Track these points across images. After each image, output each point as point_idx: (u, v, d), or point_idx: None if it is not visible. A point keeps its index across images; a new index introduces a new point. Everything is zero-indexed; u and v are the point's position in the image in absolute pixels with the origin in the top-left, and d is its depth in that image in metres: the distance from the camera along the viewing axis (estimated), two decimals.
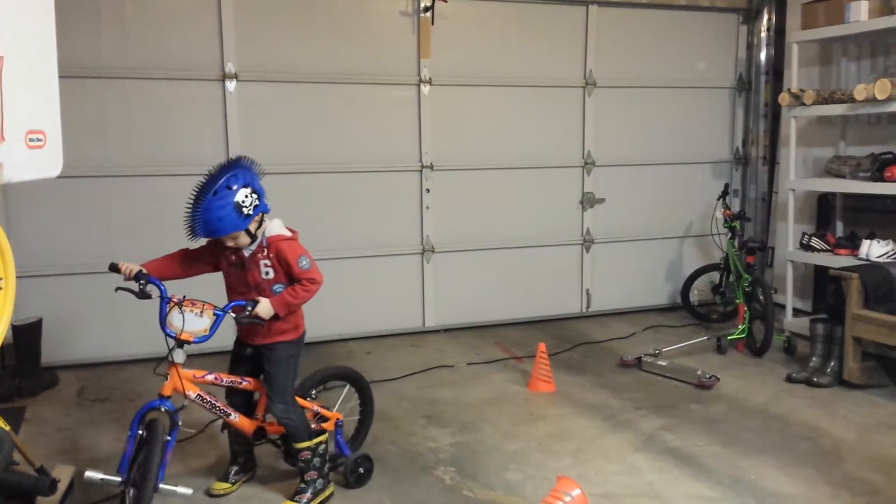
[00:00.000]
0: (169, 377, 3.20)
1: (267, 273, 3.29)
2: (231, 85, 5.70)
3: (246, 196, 3.09)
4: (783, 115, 6.43)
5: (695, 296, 6.70)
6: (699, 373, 5.03)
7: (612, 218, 6.92)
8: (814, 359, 5.07)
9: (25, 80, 2.24)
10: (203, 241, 3.27)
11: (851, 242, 5.78)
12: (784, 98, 6.09)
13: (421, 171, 6.27)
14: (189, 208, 3.04)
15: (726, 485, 3.60)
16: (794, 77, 6.25)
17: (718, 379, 5.01)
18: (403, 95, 6.21)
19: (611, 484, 3.62)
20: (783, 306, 6.20)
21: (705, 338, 5.85)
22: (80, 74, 5.28)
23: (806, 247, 6.07)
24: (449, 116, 6.32)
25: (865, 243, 5.55)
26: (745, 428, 4.29)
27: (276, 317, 3.28)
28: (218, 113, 5.71)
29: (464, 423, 4.41)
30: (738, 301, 5.85)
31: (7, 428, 3.35)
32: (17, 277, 2.42)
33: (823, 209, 6.50)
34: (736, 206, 7.10)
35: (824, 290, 6.20)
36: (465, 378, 5.26)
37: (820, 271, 6.27)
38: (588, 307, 6.94)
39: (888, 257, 5.37)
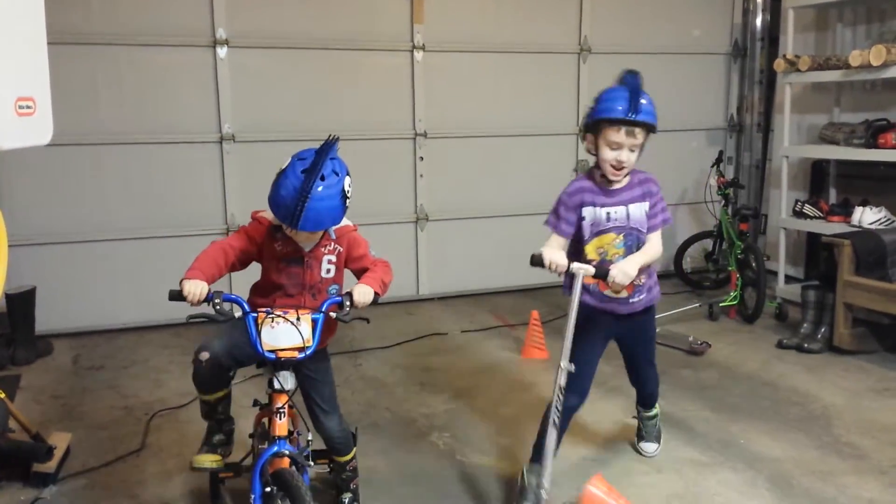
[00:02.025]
0: (280, 412, 2.57)
1: (328, 271, 2.75)
2: (222, 51, 5.64)
3: (349, 184, 2.61)
4: (778, 82, 6.41)
5: (688, 263, 6.73)
6: (691, 339, 5.07)
7: None
8: (805, 325, 5.11)
9: (14, 47, 2.22)
10: (238, 230, 2.75)
11: (844, 209, 5.79)
12: (779, 64, 6.06)
13: (414, 138, 6.24)
14: (295, 195, 2.46)
15: (716, 449, 3.65)
16: (790, 43, 6.22)
17: (710, 345, 5.05)
18: (397, 62, 6.16)
19: (602, 448, 3.67)
20: (775, 273, 6.24)
21: (697, 305, 5.88)
22: (69, 41, 5.21)
23: (799, 214, 6.08)
24: (443, 83, 6.28)
25: (858, 210, 5.57)
26: (736, 393, 4.34)
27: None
28: (209, 80, 5.66)
29: (457, 389, 4.45)
30: (730, 268, 5.87)
31: (2, 395, 3.38)
32: (10, 246, 2.42)
33: (817, 176, 6.51)
34: (730, 174, 7.10)
35: (817, 257, 6.22)
36: (459, 345, 5.30)
37: (812, 238, 6.30)
38: None
39: (881, 224, 5.39)
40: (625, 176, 3.08)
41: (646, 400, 3.55)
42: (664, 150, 7.04)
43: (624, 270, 2.89)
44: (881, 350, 4.95)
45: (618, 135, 3.00)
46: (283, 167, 2.55)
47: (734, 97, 7.31)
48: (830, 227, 5.62)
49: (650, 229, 3.08)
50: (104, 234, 5.55)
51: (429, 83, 6.22)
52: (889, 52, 5.11)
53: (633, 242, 3.04)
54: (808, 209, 6.01)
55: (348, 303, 2.57)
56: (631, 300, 3.12)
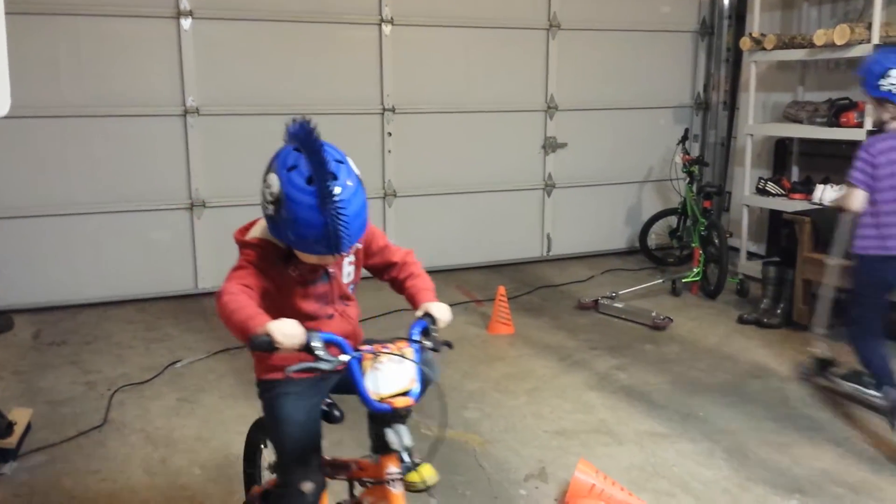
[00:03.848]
0: (395, 481, 2.01)
1: (349, 274, 2.24)
2: (186, 22, 5.54)
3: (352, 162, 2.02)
4: (744, 60, 6.45)
5: (652, 240, 6.80)
6: (653, 314, 5.14)
7: (574, 163, 6.94)
8: (765, 300, 5.20)
9: None
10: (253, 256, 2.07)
11: (806, 187, 5.88)
12: (745, 42, 6.10)
13: (382, 113, 6.20)
14: (322, 216, 1.85)
15: (676, 421, 3.72)
16: (756, 21, 6.26)
17: (672, 320, 5.13)
18: (364, 35, 6.10)
19: (565, 421, 3.72)
20: (738, 250, 6.33)
21: (661, 281, 5.96)
22: (27, 10, 5.08)
23: (762, 191, 6.16)
24: (411, 58, 6.23)
25: (819, 188, 5.66)
26: (696, 367, 4.41)
27: None
28: (173, 52, 5.56)
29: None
30: (693, 245, 5.95)
31: None
32: None
33: (780, 154, 6.60)
34: (696, 152, 7.16)
35: (778, 234, 6.33)
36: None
37: (775, 215, 6.39)
38: (549, 251, 7.01)
39: None
40: None
41: None
42: (631, 127, 7.12)
43: None
44: (838, 325, 5.04)
45: None
46: (274, 194, 1.89)
47: (701, 75, 7.36)
48: (792, 205, 5.71)
49: None
50: (66, 208, 5.46)
51: (397, 58, 6.18)
52: (853, 31, 5.18)
53: None
54: (770, 187, 6.09)
55: (433, 325, 2.09)
56: None
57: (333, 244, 1.89)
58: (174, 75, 5.59)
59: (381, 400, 1.91)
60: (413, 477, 2.04)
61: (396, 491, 1.99)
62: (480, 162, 6.62)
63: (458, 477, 3.21)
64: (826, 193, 5.56)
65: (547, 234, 6.98)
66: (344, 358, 1.90)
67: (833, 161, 5.98)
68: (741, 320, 5.18)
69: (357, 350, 1.93)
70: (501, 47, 6.53)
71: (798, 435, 3.58)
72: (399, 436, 1.95)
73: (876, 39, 5.09)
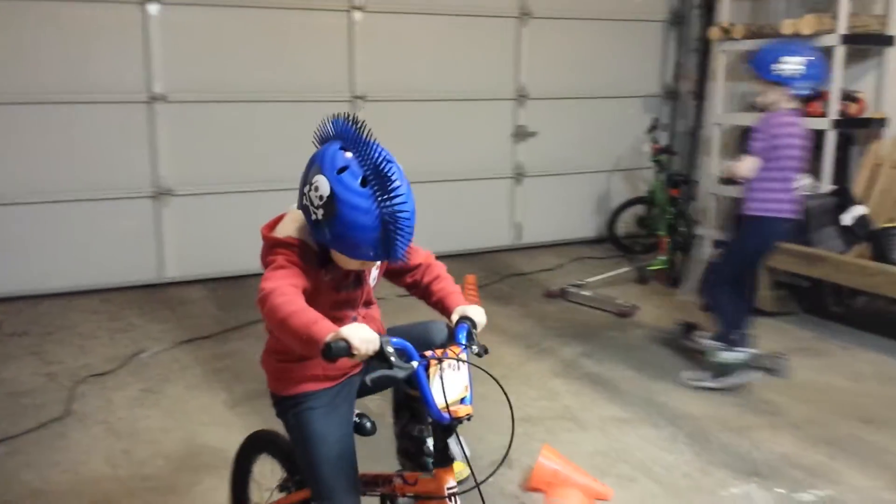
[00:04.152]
0: (455, 495, 1.93)
1: (374, 278, 2.14)
2: (153, 8, 5.45)
3: None
4: (713, 50, 6.49)
5: (621, 228, 6.85)
6: (620, 302, 5.19)
7: (544, 151, 6.95)
8: None
9: None
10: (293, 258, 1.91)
11: None
12: (714, 32, 6.14)
13: (352, 101, 6.17)
14: (380, 219, 1.76)
15: (638, 406, 3.76)
16: (726, 11, 6.28)
17: (638, 307, 5.17)
18: (335, 23, 6.05)
19: (530, 408, 3.75)
20: (703, 238, 6.38)
21: (628, 268, 6.01)
22: None
23: (728, 180, 6.21)
24: (382, 46, 6.20)
25: None
26: (660, 353, 4.47)
27: None
28: (138, 38, 5.47)
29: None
30: (660, 233, 6.00)
31: None
32: None
33: (746, 144, 6.64)
34: (664, 141, 7.21)
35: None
36: (396, 309, 5.25)
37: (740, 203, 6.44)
38: (518, 240, 7.03)
39: (804, 190, 5.54)
40: None
41: None
42: (600, 116, 7.15)
43: None
44: (800, 312, 5.14)
45: None
46: (324, 197, 1.76)
47: (670, 65, 7.40)
48: None
49: None
50: (28, 196, 5.37)
51: (368, 45, 6.14)
52: (820, 21, 5.23)
53: None
54: None
55: (475, 329, 2.00)
56: None
57: (389, 250, 1.79)
58: (140, 62, 5.51)
59: (449, 409, 1.81)
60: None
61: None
62: (451, 150, 6.62)
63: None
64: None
65: (517, 222, 7.00)
66: (414, 364, 1.77)
67: None
68: (705, 308, 5.23)
69: (422, 356, 1.80)
70: (473, 35, 6.52)
71: (758, 419, 3.64)
72: (461, 446, 1.88)
73: (843, 30, 5.15)
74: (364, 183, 1.75)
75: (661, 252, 5.94)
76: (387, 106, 6.27)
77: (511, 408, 1.86)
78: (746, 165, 3.89)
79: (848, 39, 5.20)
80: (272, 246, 1.90)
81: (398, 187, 1.75)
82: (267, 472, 2.43)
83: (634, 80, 7.28)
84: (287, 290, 1.78)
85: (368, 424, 2.13)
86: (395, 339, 1.74)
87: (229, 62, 5.76)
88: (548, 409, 3.74)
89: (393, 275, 2.18)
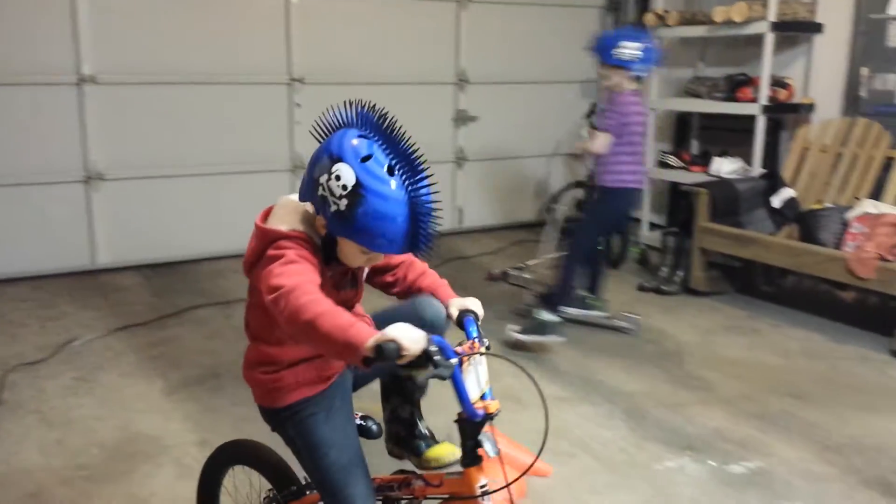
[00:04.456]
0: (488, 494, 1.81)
1: (364, 279, 2.04)
2: None
3: None
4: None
5: (560, 212, 6.92)
6: None
7: (485, 136, 6.98)
8: (663, 269, 5.40)
9: None
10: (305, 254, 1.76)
11: (704, 160, 6.10)
12: (649, 18, 6.24)
13: (290, 84, 6.08)
14: (409, 211, 1.69)
15: (577, 385, 3.83)
16: None
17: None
18: (272, 3, 5.93)
19: None
20: (640, 221, 6.52)
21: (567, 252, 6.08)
22: None
23: (663, 164, 6.36)
24: (320, 28, 6.11)
25: (716, 160, 5.88)
26: (598, 333, 4.55)
27: None
28: (66, 17, 5.27)
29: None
30: None
31: None
32: None
33: (682, 128, 6.80)
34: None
35: (678, 205, 6.55)
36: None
37: (675, 187, 6.60)
38: (460, 224, 7.06)
39: (736, 174, 5.71)
40: None
41: None
42: (540, 101, 7.21)
43: None
44: (732, 291, 5.30)
45: None
46: (348, 186, 1.65)
47: None
48: (692, 177, 5.91)
49: None
50: None
51: (305, 27, 6.05)
52: (751, 8, 5.37)
53: None
54: (671, 160, 6.30)
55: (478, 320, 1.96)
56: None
57: (415, 240, 1.69)
58: (69, 42, 5.32)
59: (482, 404, 1.76)
60: (435, 452, 2.02)
61: (492, 502, 1.79)
62: None
63: (371, 445, 3.22)
64: (723, 166, 5.77)
65: (458, 206, 7.02)
66: (454, 361, 1.67)
67: (730, 134, 6.21)
68: (641, 288, 5.36)
69: (456, 352, 1.70)
70: (412, 18, 6.48)
71: (691, 395, 3.75)
72: (491, 442, 1.81)
73: (772, 17, 5.30)
74: (390, 171, 1.67)
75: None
76: (326, 89, 6.19)
77: (545, 403, 1.80)
78: (601, 142, 4.17)
79: (777, 27, 5.36)
80: (275, 239, 1.74)
81: (426, 176, 1.68)
82: (240, 485, 2.34)
83: (572, 66, 7.34)
84: (310, 287, 1.64)
85: (374, 427, 2.06)
86: (436, 337, 1.62)
87: (162, 43, 5.61)
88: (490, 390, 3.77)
89: (373, 273, 2.05)
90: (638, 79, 4.23)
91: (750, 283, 5.33)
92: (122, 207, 5.67)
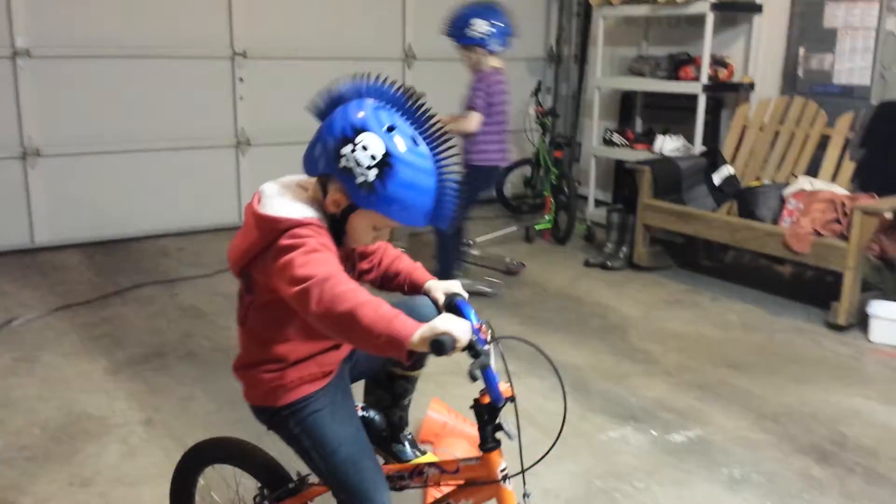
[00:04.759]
0: (508, 477, 1.82)
1: None
2: None
3: None
4: (593, 15, 6.67)
5: (508, 189, 6.98)
6: (507, 260, 5.32)
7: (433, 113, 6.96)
8: (609, 245, 5.50)
9: None
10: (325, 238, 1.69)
11: (648, 138, 6.21)
12: None
13: (233, 58, 5.97)
14: (437, 180, 1.66)
15: (524, 359, 3.83)
16: None
17: (524, 265, 5.32)
18: None
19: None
20: (586, 198, 6.62)
21: (515, 228, 6.16)
22: None
23: (608, 142, 6.46)
24: (263, 1, 6.01)
25: (659, 139, 5.99)
26: (546, 309, 4.62)
27: None
28: None
29: None
30: (545, 193, 6.16)
31: None
32: None
33: (626, 106, 6.90)
34: (548, 103, 7.37)
35: (622, 182, 6.66)
36: None
37: (620, 165, 6.71)
38: None
39: (678, 151, 5.83)
40: None
41: None
42: None
43: None
44: (674, 266, 5.43)
45: None
46: (377, 157, 1.60)
47: (553, 28, 7.54)
48: (635, 155, 6.02)
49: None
50: None
51: (249, 1, 5.94)
52: None
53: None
54: (616, 138, 6.39)
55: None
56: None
57: (441, 212, 1.67)
58: (1, 14, 5.13)
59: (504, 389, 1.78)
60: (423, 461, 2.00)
61: (511, 487, 1.79)
62: None
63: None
64: (665, 144, 5.88)
65: None
66: (489, 348, 1.67)
67: (673, 113, 6.33)
68: (587, 264, 5.46)
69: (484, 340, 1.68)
70: None
71: (634, 367, 3.85)
72: (511, 425, 1.78)
73: None
74: (415, 142, 1.64)
75: (546, 212, 6.11)
76: (269, 64, 6.11)
77: (563, 387, 1.82)
78: (474, 121, 4.25)
79: (718, 6, 5.46)
80: (288, 228, 1.64)
81: (449, 147, 1.66)
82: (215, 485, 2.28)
83: (519, 44, 7.30)
84: (345, 277, 1.58)
85: (377, 417, 2.03)
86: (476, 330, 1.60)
87: (99, 15, 5.45)
88: (439, 365, 3.76)
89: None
90: (495, 54, 4.27)
91: (692, 258, 5.46)
92: (60, 184, 5.53)
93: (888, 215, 4.36)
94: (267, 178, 5.39)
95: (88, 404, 3.35)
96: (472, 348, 1.58)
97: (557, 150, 6.11)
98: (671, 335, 4.26)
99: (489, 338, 1.73)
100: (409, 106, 1.67)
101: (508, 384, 1.76)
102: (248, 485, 2.17)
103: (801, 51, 5.50)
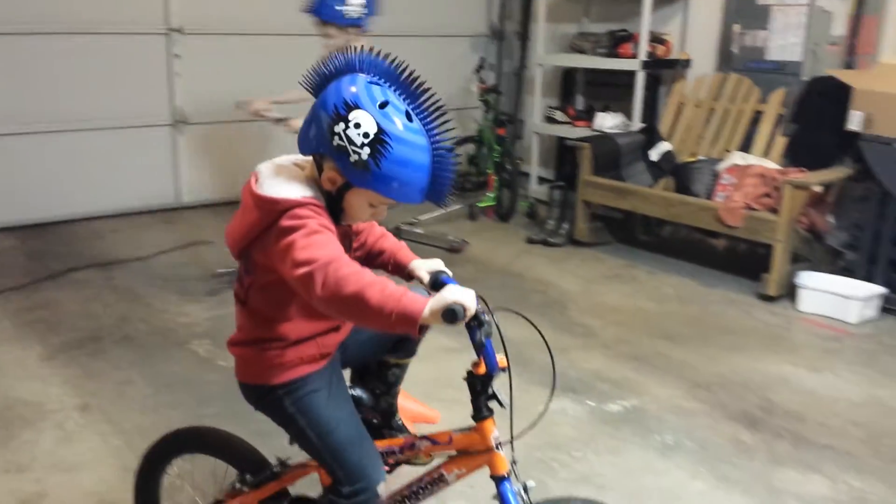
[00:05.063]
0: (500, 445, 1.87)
1: None
2: None
3: None
4: None
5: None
6: (451, 238, 5.35)
7: None
8: (550, 221, 5.57)
9: None
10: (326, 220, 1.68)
11: (588, 115, 6.27)
12: None
13: (168, 34, 5.83)
14: (430, 156, 1.63)
15: (466, 336, 3.91)
16: None
17: (468, 243, 5.36)
18: None
19: None
20: (529, 175, 6.67)
21: (459, 206, 6.18)
22: None
23: (550, 119, 6.51)
24: None
25: (600, 116, 6.06)
26: (488, 285, 4.66)
27: None
28: None
29: (220, 296, 4.37)
30: (488, 171, 6.20)
31: None
32: None
33: (568, 83, 6.96)
34: (491, 80, 7.37)
35: (564, 159, 6.73)
36: (225, 253, 5.17)
37: (562, 142, 6.77)
38: None
39: (617, 128, 5.91)
40: None
41: None
42: (429, 55, 7.16)
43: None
44: (614, 242, 5.53)
45: None
46: (370, 134, 1.58)
47: (496, 5, 7.53)
48: (576, 132, 6.08)
49: None
50: None
51: None
52: None
53: None
54: (557, 115, 6.44)
55: None
56: None
57: (438, 188, 1.65)
58: None
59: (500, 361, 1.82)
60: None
61: (504, 453, 1.83)
62: (274, 87, 6.39)
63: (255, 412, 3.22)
64: (605, 121, 5.96)
65: None
66: (489, 319, 1.70)
67: (613, 90, 6.40)
68: (530, 240, 5.52)
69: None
70: None
71: (574, 340, 3.92)
72: (502, 394, 1.85)
73: None
74: (408, 117, 1.61)
75: (489, 189, 6.14)
76: (207, 40, 5.98)
77: (553, 360, 1.89)
78: None
79: None
80: (288, 208, 1.62)
81: (444, 122, 1.64)
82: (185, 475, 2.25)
83: (462, 20, 7.35)
84: (347, 260, 1.58)
85: (365, 396, 2.03)
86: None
87: None
88: None
89: None
90: (363, 32, 3.98)
91: (630, 233, 5.57)
92: None
93: (817, 189, 4.51)
94: (206, 157, 5.37)
95: (23, 390, 3.28)
96: (476, 317, 1.62)
97: (500, 127, 6.14)
98: (609, 309, 4.35)
99: (485, 309, 1.75)
100: (402, 80, 1.64)
101: (502, 354, 1.80)
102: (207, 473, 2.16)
103: (736, 27, 5.59)
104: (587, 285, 4.72)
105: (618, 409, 3.26)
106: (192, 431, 2.20)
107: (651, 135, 5.49)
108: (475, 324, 1.65)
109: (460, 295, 1.55)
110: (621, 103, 6.06)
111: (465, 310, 1.54)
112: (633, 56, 5.71)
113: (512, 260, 5.15)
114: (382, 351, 2.07)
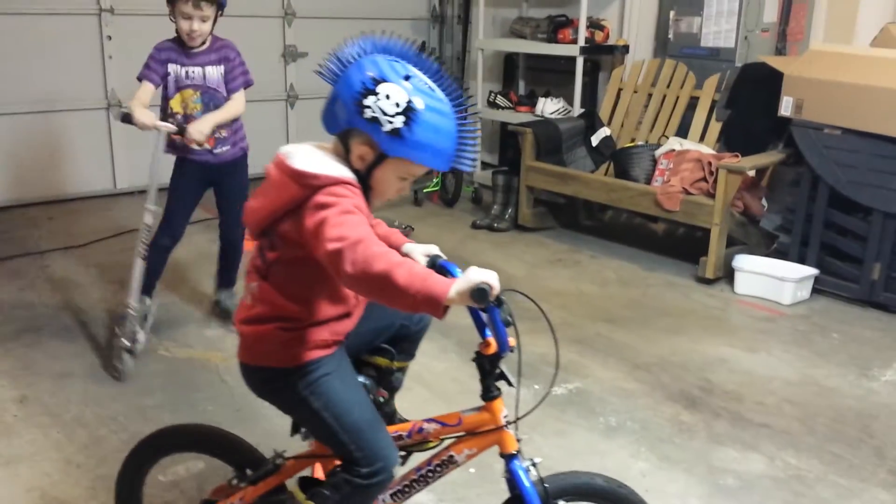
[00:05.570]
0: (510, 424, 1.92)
1: None
2: None
3: None
4: None
5: None
6: (396, 224, 5.34)
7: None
8: (495, 207, 5.61)
9: None
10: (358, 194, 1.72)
11: (530, 100, 6.32)
12: None
13: (99, 14, 5.64)
14: (456, 122, 1.70)
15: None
16: None
17: (413, 228, 5.37)
18: None
19: None
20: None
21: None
22: None
23: (492, 105, 6.53)
24: None
25: (541, 101, 6.11)
26: None
27: None
28: None
29: (163, 283, 4.27)
30: None
31: None
32: None
33: (509, 68, 6.99)
34: None
35: (507, 144, 6.78)
36: None
37: (505, 127, 6.82)
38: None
39: (559, 113, 5.97)
40: (202, 43, 3.46)
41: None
42: None
43: (198, 128, 3.33)
44: (558, 226, 5.61)
45: (186, 7, 3.34)
46: (402, 104, 1.63)
47: None
48: (519, 117, 6.11)
49: (230, 91, 3.50)
50: None
51: None
52: None
53: (210, 100, 3.47)
54: (500, 100, 6.47)
55: None
56: (215, 151, 3.54)
57: (463, 156, 1.73)
58: None
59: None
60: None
61: (514, 431, 1.88)
62: None
63: (200, 394, 3.19)
64: (547, 106, 6.01)
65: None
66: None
67: (554, 75, 6.46)
68: (475, 226, 5.56)
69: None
70: None
71: (519, 326, 3.93)
72: (511, 372, 1.90)
73: None
74: (431, 89, 1.68)
75: (434, 174, 6.15)
76: (139, 20, 5.79)
77: (556, 341, 1.96)
78: (243, 101, 3.56)
79: None
80: (326, 185, 1.66)
81: (462, 93, 1.72)
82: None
83: (402, 3, 7.31)
84: (375, 240, 1.61)
85: (369, 382, 2.01)
86: None
87: None
88: None
89: None
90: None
91: (574, 218, 5.65)
92: None
93: (750, 173, 4.65)
94: (143, 142, 5.14)
95: None
96: (497, 297, 1.67)
97: None
98: (553, 293, 4.42)
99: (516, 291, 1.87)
100: (416, 57, 1.72)
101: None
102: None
103: (672, 14, 5.69)
104: (531, 270, 4.78)
105: (563, 391, 3.33)
106: (182, 430, 2.16)
107: (592, 120, 5.57)
108: (496, 304, 1.70)
109: (486, 275, 1.59)
110: (562, 89, 6.12)
111: (491, 288, 1.58)
112: (573, 41, 5.76)
113: (457, 245, 5.18)
114: (378, 344, 2.08)
